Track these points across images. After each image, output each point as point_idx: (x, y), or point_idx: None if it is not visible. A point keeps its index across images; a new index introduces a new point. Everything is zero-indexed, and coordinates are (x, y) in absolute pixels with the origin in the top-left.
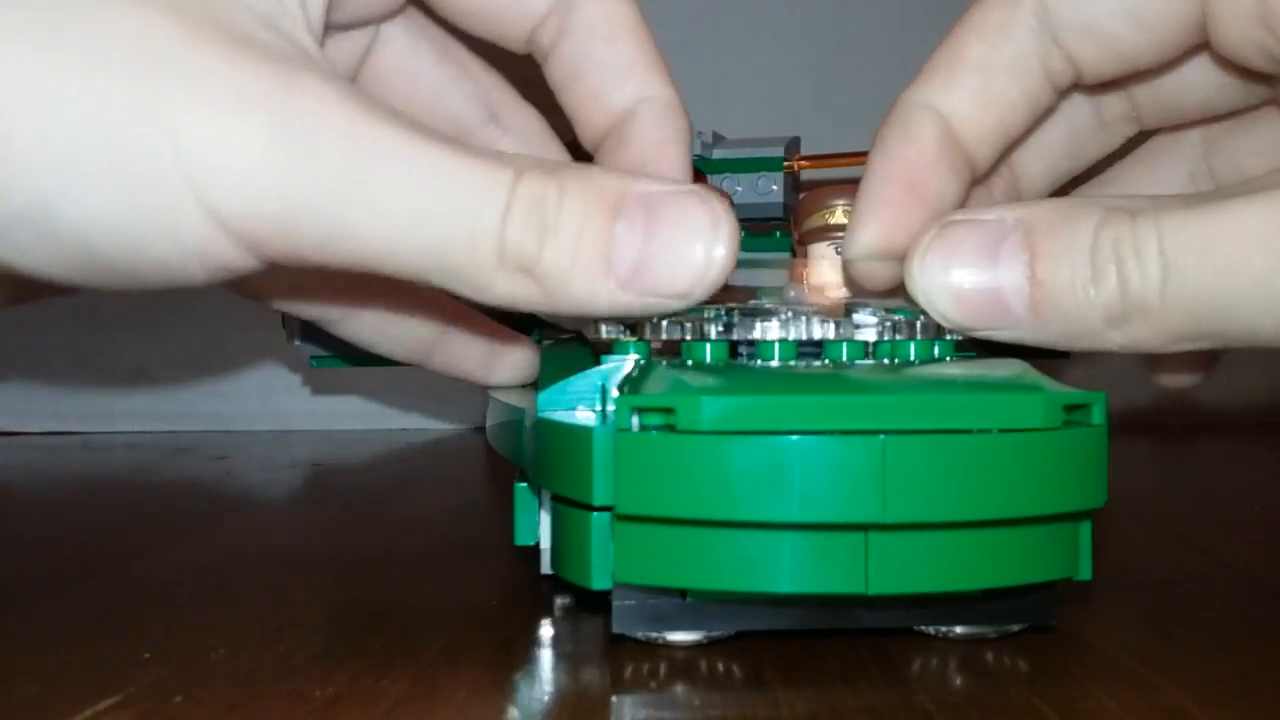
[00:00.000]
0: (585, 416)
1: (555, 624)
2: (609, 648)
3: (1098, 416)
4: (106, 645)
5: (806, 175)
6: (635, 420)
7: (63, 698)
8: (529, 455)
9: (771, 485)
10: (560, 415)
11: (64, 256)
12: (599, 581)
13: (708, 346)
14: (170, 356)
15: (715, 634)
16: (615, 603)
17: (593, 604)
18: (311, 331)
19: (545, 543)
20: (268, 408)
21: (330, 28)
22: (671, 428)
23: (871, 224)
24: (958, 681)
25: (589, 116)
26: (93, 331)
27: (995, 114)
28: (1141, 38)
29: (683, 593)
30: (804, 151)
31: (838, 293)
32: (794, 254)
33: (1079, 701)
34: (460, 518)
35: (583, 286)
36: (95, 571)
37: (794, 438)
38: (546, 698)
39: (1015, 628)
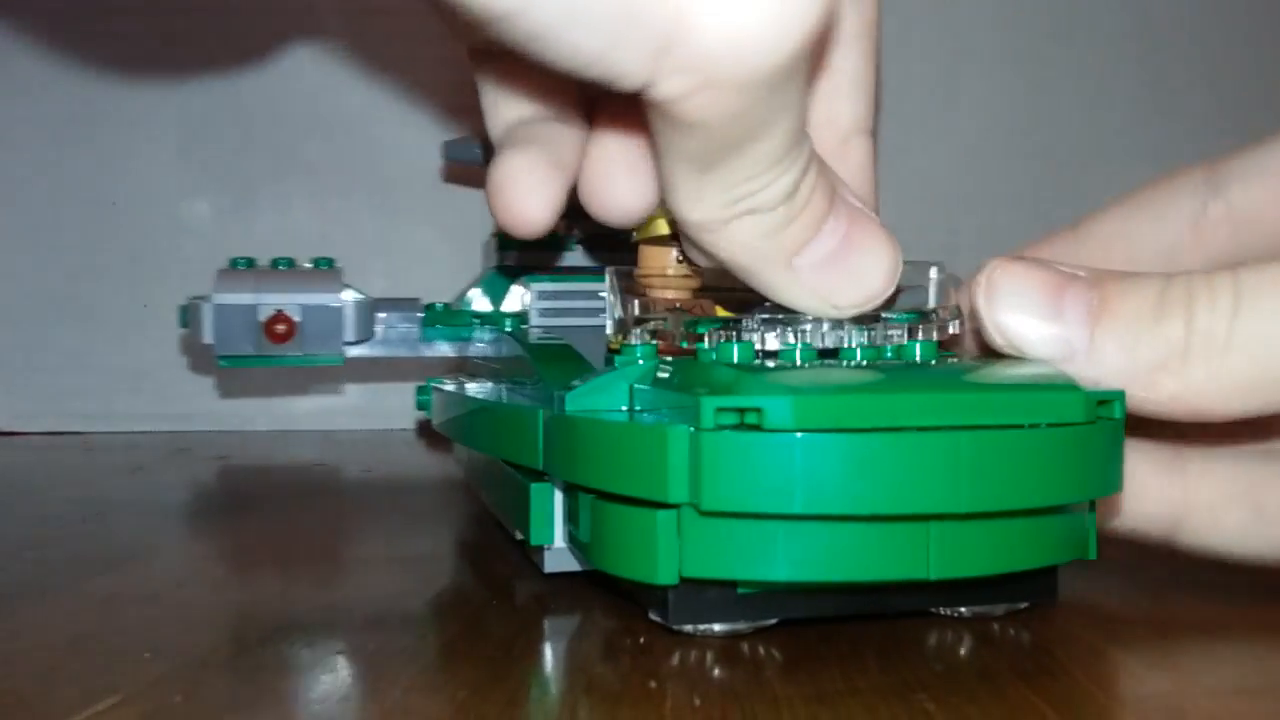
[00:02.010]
0: (615, 414)
1: (555, 622)
2: (609, 648)
3: (1119, 411)
4: (106, 645)
5: None
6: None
7: (63, 698)
8: (555, 453)
9: (856, 479)
10: (606, 415)
11: None
12: (665, 577)
13: (735, 348)
14: (170, 356)
15: (761, 623)
16: (673, 598)
17: (591, 600)
18: (229, 328)
19: (560, 541)
20: (268, 408)
21: None
22: (754, 426)
23: None
24: (956, 680)
25: None
26: (93, 331)
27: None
28: None
29: (734, 585)
30: None
31: None
32: None
33: (1078, 701)
34: (460, 517)
35: (780, 240)
36: (95, 571)
37: (881, 434)
38: (548, 697)
39: (1023, 605)
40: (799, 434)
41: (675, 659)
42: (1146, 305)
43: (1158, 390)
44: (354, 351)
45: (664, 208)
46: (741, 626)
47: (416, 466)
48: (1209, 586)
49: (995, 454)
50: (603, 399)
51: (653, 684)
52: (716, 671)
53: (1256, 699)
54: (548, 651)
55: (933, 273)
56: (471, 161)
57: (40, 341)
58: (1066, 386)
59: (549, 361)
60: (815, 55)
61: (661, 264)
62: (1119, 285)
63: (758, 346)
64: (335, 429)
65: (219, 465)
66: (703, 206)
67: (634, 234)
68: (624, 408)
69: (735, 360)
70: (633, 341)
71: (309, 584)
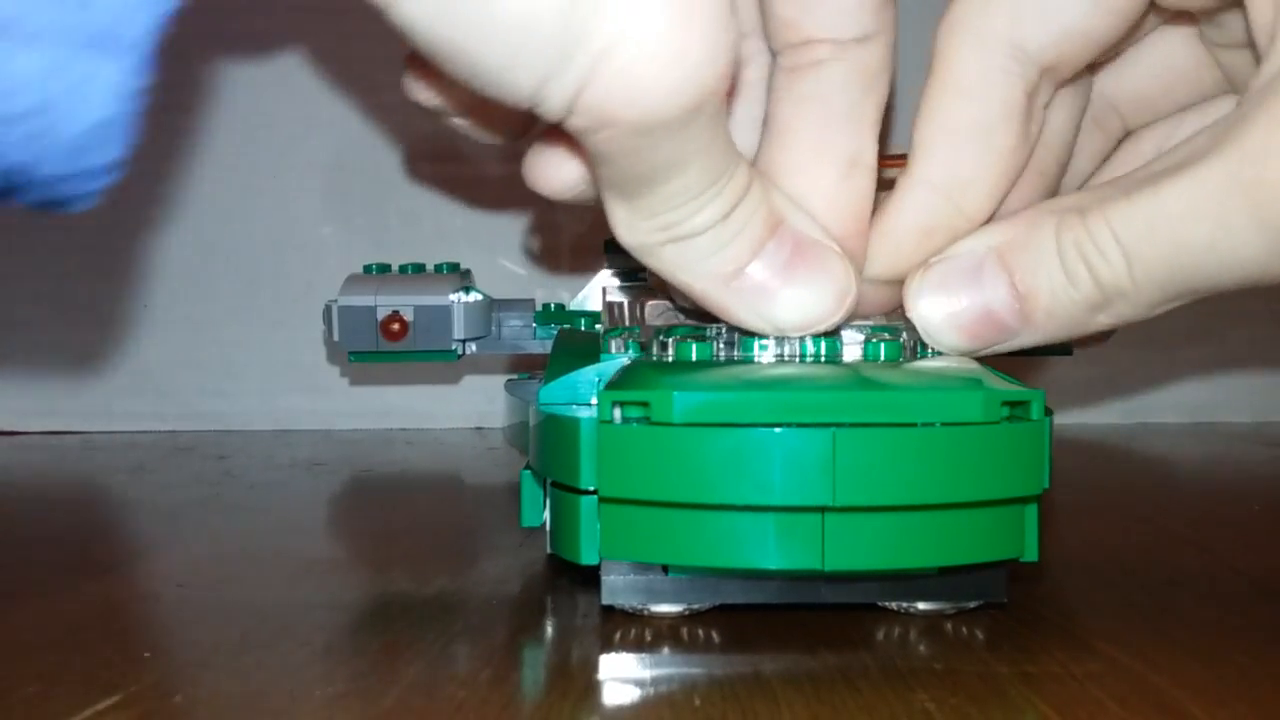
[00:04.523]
0: (582, 409)
1: (555, 623)
2: (610, 648)
3: (1036, 412)
4: (106, 645)
5: None
6: (617, 412)
7: (63, 698)
8: (533, 445)
9: (733, 471)
10: (558, 407)
11: None
12: (587, 557)
13: (694, 346)
14: (170, 356)
15: (695, 606)
16: (604, 576)
17: (592, 599)
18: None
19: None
20: (268, 408)
21: None
22: (648, 419)
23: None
24: (956, 680)
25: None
26: (93, 331)
27: (1000, 170)
28: (1105, 20)
29: (665, 568)
30: None
31: None
32: None
33: (1079, 702)
34: (460, 518)
35: (713, 263)
36: (95, 571)
37: (753, 429)
38: (548, 697)
39: (971, 605)
40: (681, 428)
41: (676, 659)
42: (1054, 265)
43: (1097, 326)
44: (471, 347)
45: None
46: (677, 608)
47: (417, 467)
48: (1208, 588)
49: (871, 451)
50: (574, 394)
51: (653, 684)
52: (716, 671)
53: (1258, 699)
54: (548, 651)
55: None
56: None
57: (40, 341)
58: (967, 386)
59: (559, 357)
60: (724, 104)
61: None
62: (1023, 255)
63: (717, 348)
64: (335, 429)
65: (219, 465)
66: (634, 232)
67: None
68: (593, 402)
69: (694, 360)
70: (619, 342)
71: (308, 584)
